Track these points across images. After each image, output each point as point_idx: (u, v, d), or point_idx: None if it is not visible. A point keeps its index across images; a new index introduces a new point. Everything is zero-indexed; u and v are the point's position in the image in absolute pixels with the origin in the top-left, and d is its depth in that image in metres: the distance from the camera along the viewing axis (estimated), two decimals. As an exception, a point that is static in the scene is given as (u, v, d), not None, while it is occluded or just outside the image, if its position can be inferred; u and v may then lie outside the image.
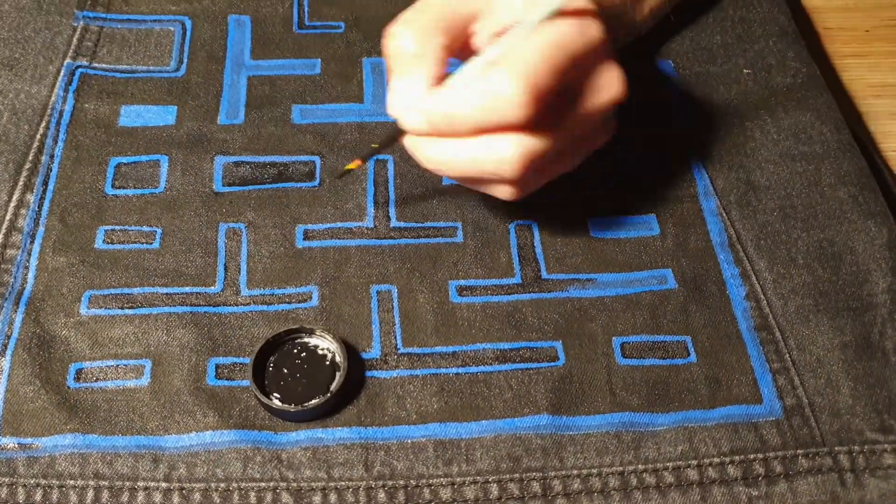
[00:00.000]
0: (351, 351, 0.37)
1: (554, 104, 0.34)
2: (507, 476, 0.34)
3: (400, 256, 0.41)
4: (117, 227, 0.41)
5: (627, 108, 0.37)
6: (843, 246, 0.41)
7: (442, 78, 0.36)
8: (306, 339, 0.37)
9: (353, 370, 0.36)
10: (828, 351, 0.38)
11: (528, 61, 0.33)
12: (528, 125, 0.34)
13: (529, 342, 0.38)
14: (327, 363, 0.36)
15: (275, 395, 0.35)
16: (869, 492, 0.34)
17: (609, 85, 0.36)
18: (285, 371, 0.36)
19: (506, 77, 0.33)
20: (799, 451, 0.35)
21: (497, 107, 0.33)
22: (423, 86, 0.35)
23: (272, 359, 0.36)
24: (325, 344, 0.37)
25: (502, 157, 0.34)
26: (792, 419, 0.36)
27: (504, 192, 0.37)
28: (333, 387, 0.35)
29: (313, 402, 0.35)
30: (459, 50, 0.37)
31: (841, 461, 0.35)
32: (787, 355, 0.38)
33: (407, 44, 0.36)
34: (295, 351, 0.36)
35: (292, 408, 0.34)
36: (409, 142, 0.37)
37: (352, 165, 0.40)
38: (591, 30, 0.35)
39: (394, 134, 0.37)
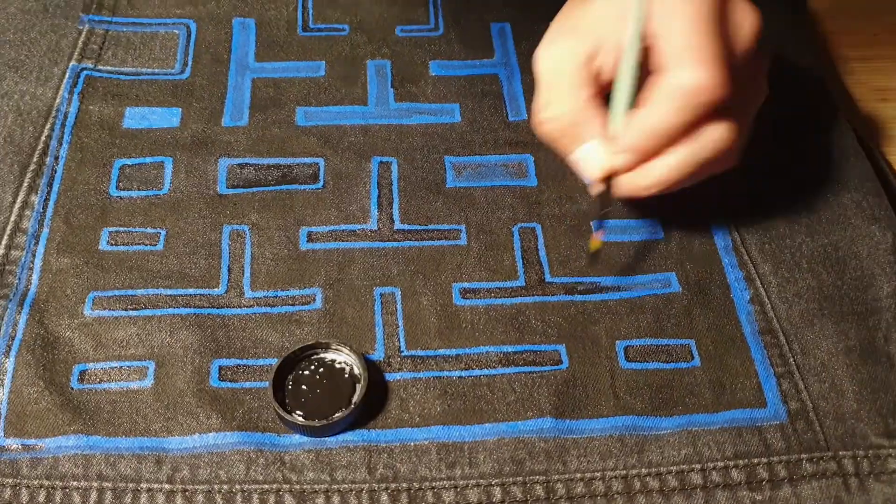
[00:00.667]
0: (370, 363, 0.37)
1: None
2: (511, 479, 0.34)
3: (403, 259, 0.41)
4: (121, 229, 0.41)
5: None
6: (847, 250, 0.41)
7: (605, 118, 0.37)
8: (323, 355, 0.37)
9: (373, 380, 0.36)
10: (832, 355, 0.38)
11: (700, 45, 0.34)
12: (729, 95, 0.34)
13: (533, 345, 0.38)
14: (346, 376, 0.36)
15: (297, 412, 0.35)
16: (873, 497, 0.34)
17: (745, 17, 0.36)
18: (305, 388, 0.36)
19: (696, 70, 0.33)
20: (803, 456, 0.35)
21: (703, 100, 0.34)
22: (601, 140, 0.37)
23: (290, 377, 0.36)
24: (342, 357, 0.37)
25: (720, 138, 0.35)
26: (796, 423, 0.36)
27: (727, 165, 0.38)
28: (356, 399, 0.35)
29: (337, 415, 0.34)
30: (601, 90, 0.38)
31: (845, 466, 0.35)
32: (792, 359, 0.38)
33: (565, 123, 0.37)
34: (313, 367, 0.36)
35: (317, 423, 0.34)
36: (624, 185, 0.37)
37: (595, 244, 0.39)
38: None
39: (605, 194, 0.38)
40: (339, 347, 0.37)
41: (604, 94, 0.37)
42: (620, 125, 0.36)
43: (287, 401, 0.35)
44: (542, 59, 0.38)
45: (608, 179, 0.37)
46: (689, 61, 0.34)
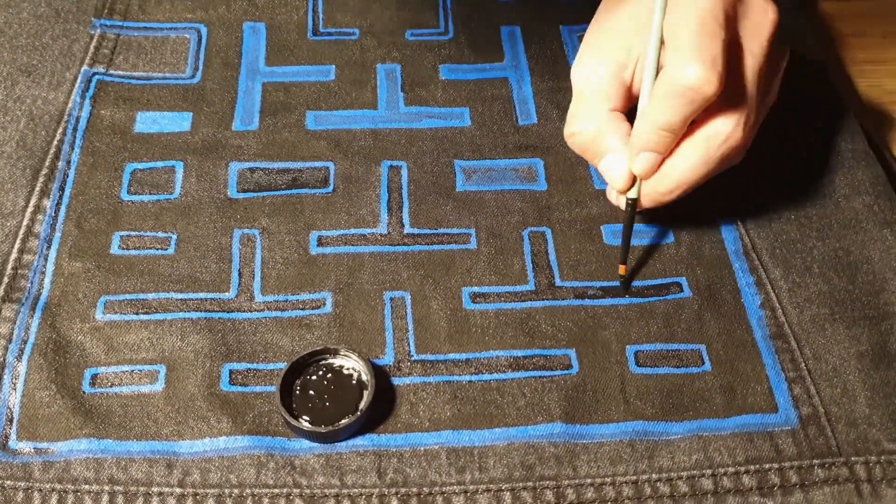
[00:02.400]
0: (377, 369, 0.37)
1: (731, 57, 0.36)
2: (521, 484, 0.34)
3: (413, 263, 0.41)
4: (133, 233, 0.41)
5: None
6: (858, 255, 0.41)
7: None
8: (331, 360, 0.37)
9: (380, 387, 0.36)
10: (844, 360, 0.38)
11: (691, 43, 0.35)
12: (720, 91, 0.35)
13: (543, 350, 0.38)
14: (354, 382, 0.36)
15: (304, 417, 0.35)
16: (886, 502, 0.34)
17: (763, 17, 0.37)
18: (312, 393, 0.36)
19: (684, 69, 0.34)
20: (815, 461, 0.35)
21: (694, 96, 0.35)
22: (624, 151, 0.38)
23: (298, 382, 0.36)
24: (350, 363, 0.37)
25: (728, 136, 0.37)
26: (808, 428, 0.36)
27: (735, 162, 0.39)
28: (363, 405, 0.35)
29: (343, 421, 0.35)
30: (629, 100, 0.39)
31: (857, 471, 0.35)
32: (803, 364, 0.38)
33: (588, 136, 0.39)
34: (320, 373, 0.36)
35: (323, 429, 0.34)
36: (647, 198, 0.39)
37: (623, 271, 0.40)
38: None
39: (630, 208, 0.39)
40: (347, 353, 0.37)
41: (634, 103, 0.38)
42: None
43: (294, 406, 0.35)
44: (573, 73, 0.39)
45: (634, 200, 0.39)
46: (684, 59, 0.35)
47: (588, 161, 0.40)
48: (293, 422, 0.34)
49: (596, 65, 0.39)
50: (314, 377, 0.36)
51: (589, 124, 0.39)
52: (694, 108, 0.35)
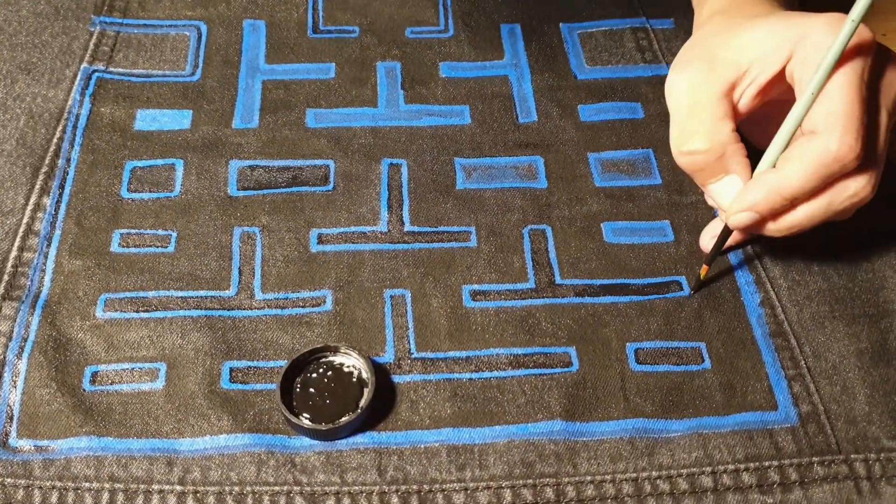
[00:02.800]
0: (378, 367, 0.37)
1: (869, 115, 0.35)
2: (521, 482, 0.34)
3: (413, 261, 0.41)
4: (133, 231, 0.41)
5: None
6: (858, 253, 0.41)
7: (747, 157, 0.36)
8: (331, 358, 0.37)
9: (381, 384, 0.36)
10: (843, 358, 0.38)
11: (847, 113, 0.33)
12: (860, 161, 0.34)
13: (543, 347, 0.38)
14: (354, 380, 0.36)
15: (304, 415, 0.35)
16: (885, 500, 0.34)
17: (894, 70, 0.36)
18: (312, 391, 0.36)
19: (838, 139, 0.33)
20: (814, 459, 0.35)
21: (837, 170, 0.34)
22: (744, 178, 0.36)
23: (298, 379, 0.36)
24: (350, 361, 0.37)
25: (856, 192, 0.35)
26: (807, 426, 0.36)
27: (858, 207, 0.37)
28: (363, 403, 0.35)
29: (344, 419, 0.35)
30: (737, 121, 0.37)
31: (857, 469, 0.35)
32: (803, 362, 0.38)
33: (707, 154, 0.36)
34: (321, 370, 0.36)
35: (323, 427, 0.34)
36: (756, 227, 0.37)
37: (704, 272, 0.39)
38: (867, 41, 0.34)
39: (727, 231, 0.38)
40: (347, 351, 0.37)
41: (738, 124, 0.37)
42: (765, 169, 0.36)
43: (295, 404, 0.35)
44: (676, 85, 0.37)
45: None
46: (840, 130, 0.33)
47: (694, 179, 0.38)
48: (293, 419, 0.34)
49: (707, 78, 0.36)
50: (314, 375, 0.36)
51: (710, 145, 0.36)
52: (827, 181, 0.34)
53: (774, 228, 0.36)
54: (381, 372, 0.37)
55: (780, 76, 0.36)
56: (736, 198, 0.36)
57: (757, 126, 0.39)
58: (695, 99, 0.36)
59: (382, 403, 0.36)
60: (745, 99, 0.36)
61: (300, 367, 0.36)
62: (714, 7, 0.40)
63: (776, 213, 0.36)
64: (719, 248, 0.39)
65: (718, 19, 0.38)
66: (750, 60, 0.36)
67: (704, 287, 0.40)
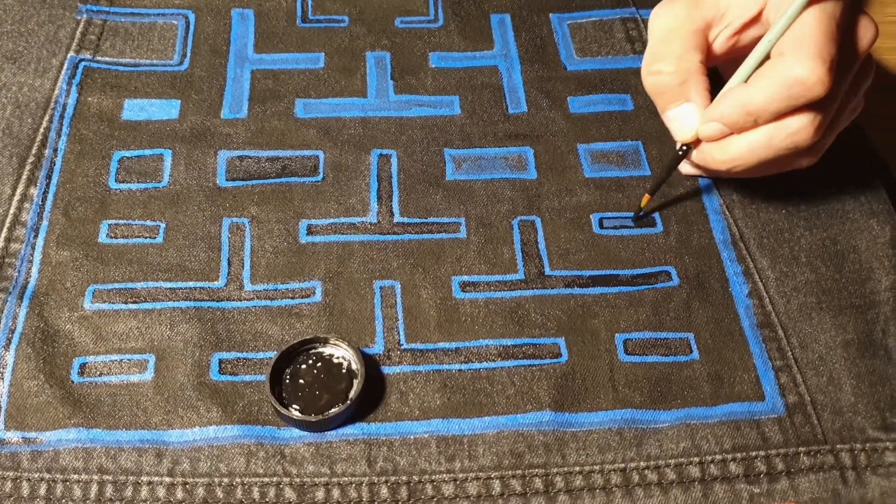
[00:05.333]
0: (368, 358, 0.37)
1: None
2: (510, 472, 0.34)
3: (403, 252, 0.41)
4: (121, 222, 0.41)
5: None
6: (845, 244, 0.41)
7: (709, 91, 0.39)
8: (321, 349, 0.37)
9: (370, 376, 0.36)
10: (830, 349, 0.38)
11: (816, 42, 0.35)
12: (824, 96, 0.35)
13: (532, 339, 0.38)
14: (343, 371, 0.36)
15: (294, 406, 0.35)
16: (871, 490, 0.34)
17: (866, 30, 0.38)
18: (302, 382, 0.36)
19: (803, 63, 0.35)
20: (801, 449, 0.35)
21: (800, 92, 0.35)
22: (701, 108, 0.39)
23: (288, 371, 0.36)
24: (339, 352, 0.37)
25: (797, 131, 0.37)
26: (794, 417, 0.36)
27: (802, 163, 0.40)
28: (352, 394, 0.35)
29: (333, 410, 0.35)
30: (707, 59, 0.40)
31: (843, 459, 0.35)
32: (790, 353, 0.38)
33: (671, 76, 0.39)
34: (310, 362, 0.36)
35: (313, 418, 0.34)
36: (698, 155, 0.40)
37: (645, 201, 0.41)
38: None
39: (677, 158, 0.40)
40: (337, 342, 0.37)
41: (710, 64, 0.39)
42: (725, 93, 0.38)
43: (284, 395, 0.35)
44: (659, 15, 0.40)
45: (688, 148, 0.40)
46: (805, 54, 0.35)
47: (656, 104, 0.40)
48: (283, 411, 0.34)
49: (687, 13, 0.39)
50: (304, 366, 0.36)
51: (675, 69, 0.39)
52: (791, 104, 0.36)
53: (720, 159, 0.39)
54: (370, 363, 0.37)
55: (756, 20, 0.39)
56: (707, 110, 0.38)
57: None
58: (671, 29, 0.39)
59: (372, 394, 0.36)
60: (721, 40, 0.39)
61: (290, 359, 0.36)
62: None
63: (741, 130, 0.38)
64: (664, 178, 0.41)
65: None
66: (728, 3, 0.39)
67: (647, 217, 0.42)
